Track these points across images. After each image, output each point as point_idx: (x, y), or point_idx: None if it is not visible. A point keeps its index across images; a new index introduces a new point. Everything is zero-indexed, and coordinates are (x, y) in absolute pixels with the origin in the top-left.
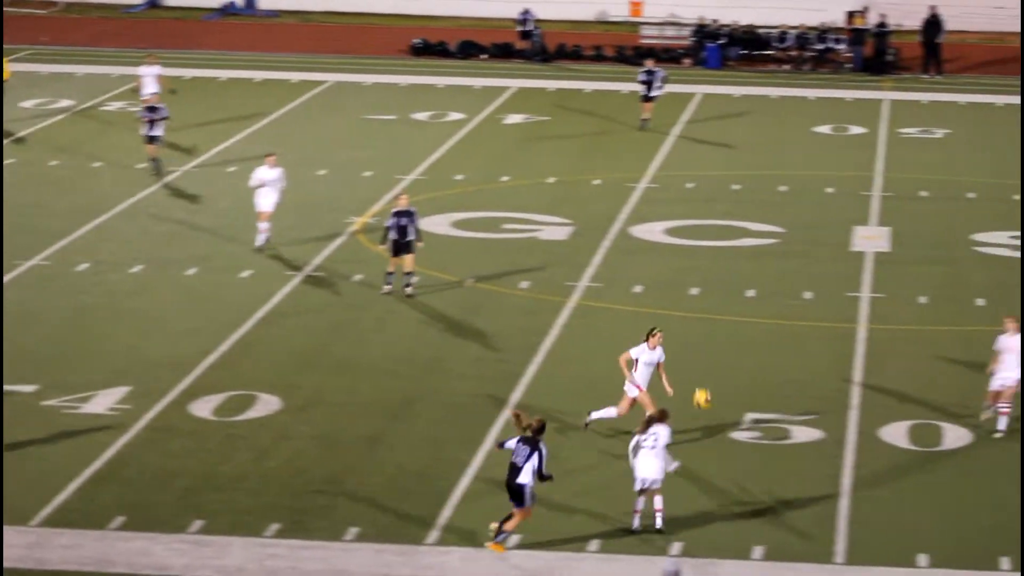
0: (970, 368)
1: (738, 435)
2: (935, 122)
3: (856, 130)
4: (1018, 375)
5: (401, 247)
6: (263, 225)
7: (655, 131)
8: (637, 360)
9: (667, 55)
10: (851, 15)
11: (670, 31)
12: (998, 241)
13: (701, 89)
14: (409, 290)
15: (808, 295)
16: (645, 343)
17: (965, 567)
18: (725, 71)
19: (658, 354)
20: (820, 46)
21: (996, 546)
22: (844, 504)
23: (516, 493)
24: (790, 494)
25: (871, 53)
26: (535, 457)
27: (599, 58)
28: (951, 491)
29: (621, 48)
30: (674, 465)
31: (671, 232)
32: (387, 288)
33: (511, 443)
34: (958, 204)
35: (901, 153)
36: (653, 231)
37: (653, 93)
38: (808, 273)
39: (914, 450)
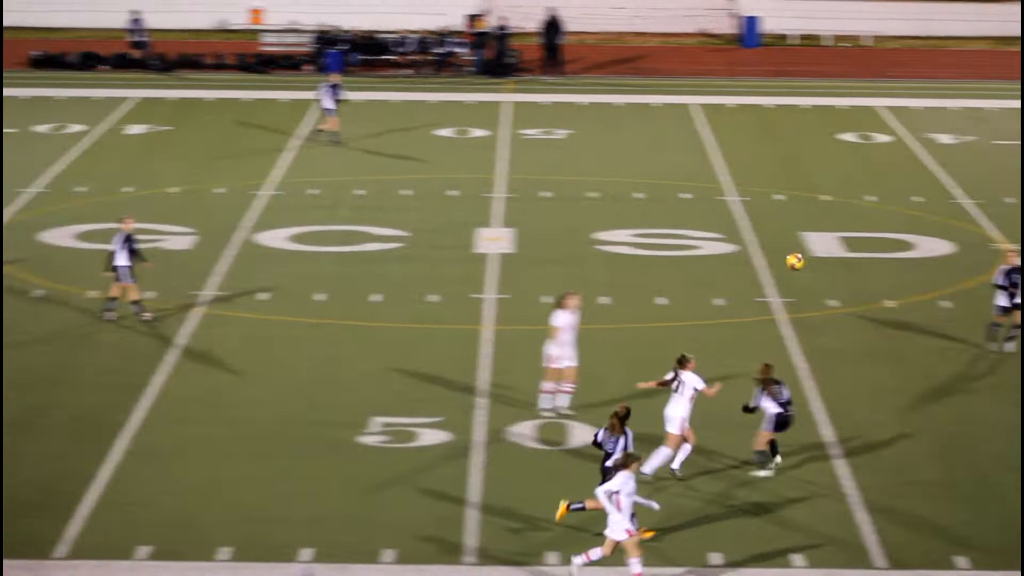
0: (593, 364)
1: (366, 439)
2: (556, 123)
3: (478, 132)
4: (573, 358)
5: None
6: None
7: (284, 132)
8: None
9: (288, 62)
10: (471, 18)
11: (291, 38)
12: (620, 240)
13: None
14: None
15: (433, 298)
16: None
17: (613, 564)
18: (347, 77)
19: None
20: (441, 50)
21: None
22: (473, 505)
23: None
24: (419, 496)
25: (492, 56)
26: (622, 442)
27: (221, 67)
28: (578, 488)
29: (242, 56)
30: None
31: (295, 239)
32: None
33: (600, 435)
34: (580, 204)
35: (523, 154)
36: (277, 238)
37: (331, 106)
38: (433, 276)
39: (542, 449)
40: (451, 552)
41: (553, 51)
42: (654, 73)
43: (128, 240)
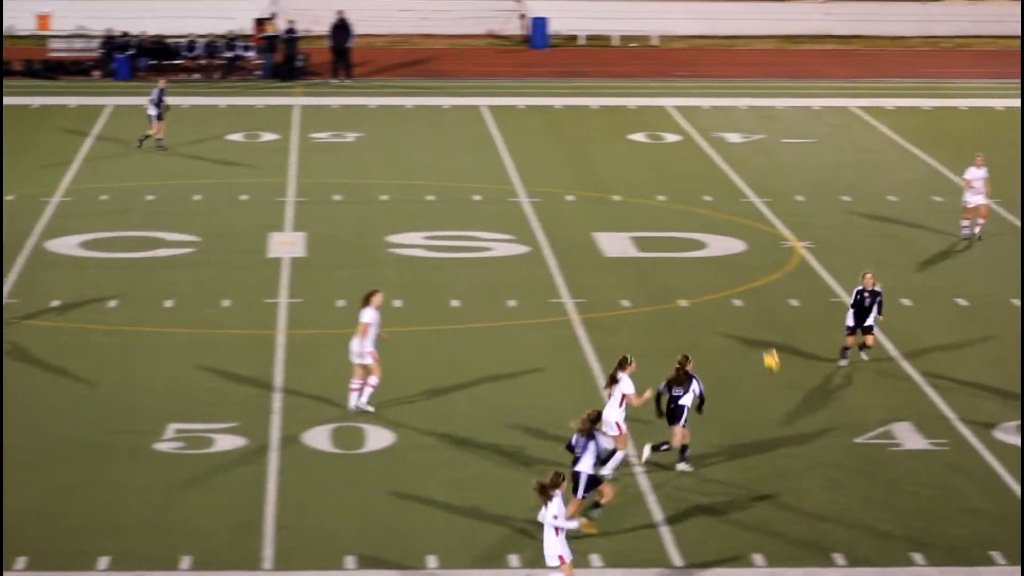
0: (388, 367)
1: (162, 446)
2: (346, 126)
3: (268, 136)
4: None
5: None
6: None
7: (74, 138)
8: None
9: (76, 68)
10: (260, 22)
11: (79, 43)
12: (412, 242)
13: (112, 101)
14: None
15: (226, 303)
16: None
17: (393, 566)
18: (136, 82)
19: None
20: (230, 54)
21: (421, 546)
22: (270, 510)
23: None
24: (216, 502)
25: (281, 59)
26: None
27: (8, 73)
28: (375, 492)
29: (30, 62)
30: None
31: (86, 245)
32: None
33: (573, 439)
34: (372, 207)
35: (314, 158)
36: (68, 245)
37: (155, 112)
38: (225, 281)
39: (337, 452)
40: (249, 558)
41: (342, 54)
42: (443, 75)
43: None
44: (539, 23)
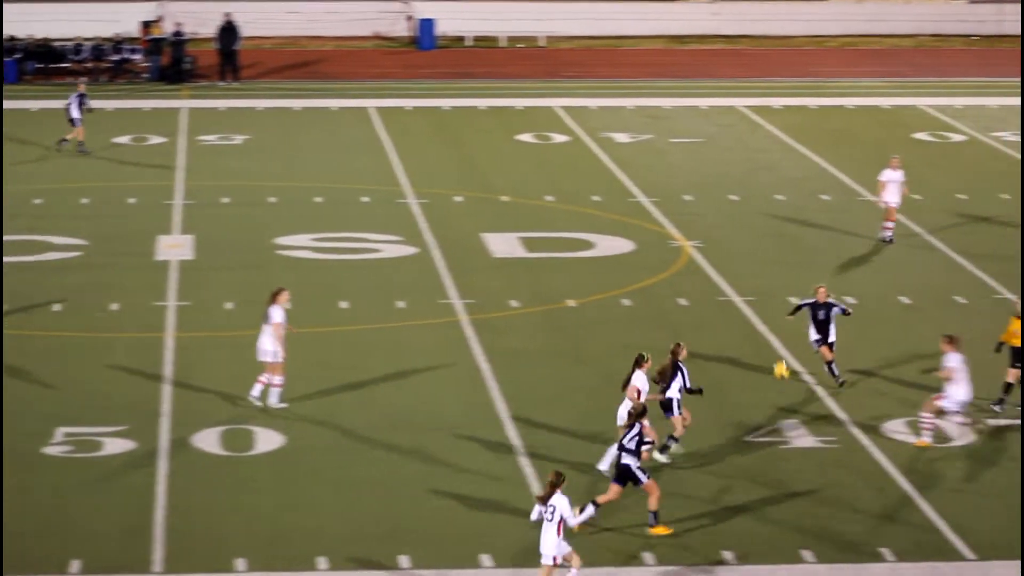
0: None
1: (50, 450)
2: (234, 128)
3: (156, 140)
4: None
5: None
6: None
7: None
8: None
9: None
10: (146, 25)
11: None
12: (301, 244)
13: None
14: None
15: (115, 306)
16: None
17: (282, 568)
18: (23, 85)
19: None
20: (116, 57)
21: (311, 548)
22: (160, 513)
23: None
24: (106, 506)
25: (168, 62)
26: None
27: None
28: (265, 494)
29: None
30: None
31: None
32: None
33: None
34: (260, 209)
35: (201, 161)
36: None
37: (77, 115)
38: (113, 284)
39: (226, 455)
40: (139, 562)
41: (229, 56)
42: (331, 77)
43: None
44: (426, 24)
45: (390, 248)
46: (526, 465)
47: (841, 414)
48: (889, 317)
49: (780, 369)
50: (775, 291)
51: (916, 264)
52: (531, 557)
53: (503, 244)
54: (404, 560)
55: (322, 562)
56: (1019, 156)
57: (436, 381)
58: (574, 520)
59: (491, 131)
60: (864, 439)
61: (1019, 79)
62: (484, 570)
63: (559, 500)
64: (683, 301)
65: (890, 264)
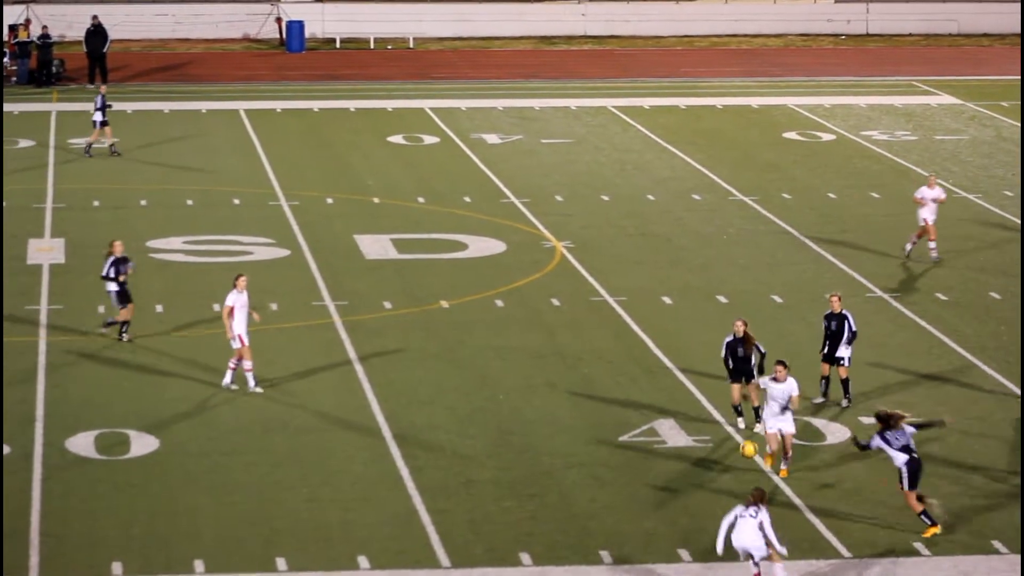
0: (150, 373)
1: None
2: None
3: (25, 143)
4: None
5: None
6: None
7: None
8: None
9: None
10: (13, 28)
11: None
12: (173, 247)
13: None
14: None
15: None
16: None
17: (159, 572)
18: None
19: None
20: None
21: (188, 551)
22: (35, 518)
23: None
24: None
25: (35, 65)
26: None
27: None
28: (141, 498)
29: None
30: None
31: None
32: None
33: (876, 441)
34: (131, 211)
35: (71, 164)
36: None
37: (100, 118)
38: None
39: (101, 459)
40: (15, 568)
41: (98, 59)
42: (200, 79)
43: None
44: (295, 26)
45: (262, 250)
46: (402, 467)
47: (714, 412)
48: (760, 314)
49: (749, 449)
50: (647, 290)
51: (787, 263)
52: (405, 558)
53: (375, 246)
54: (281, 563)
55: (199, 565)
56: (888, 154)
57: (310, 383)
58: (772, 536)
59: (361, 132)
60: (737, 437)
61: (896, 79)
62: (362, 571)
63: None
64: (556, 301)
65: (761, 263)
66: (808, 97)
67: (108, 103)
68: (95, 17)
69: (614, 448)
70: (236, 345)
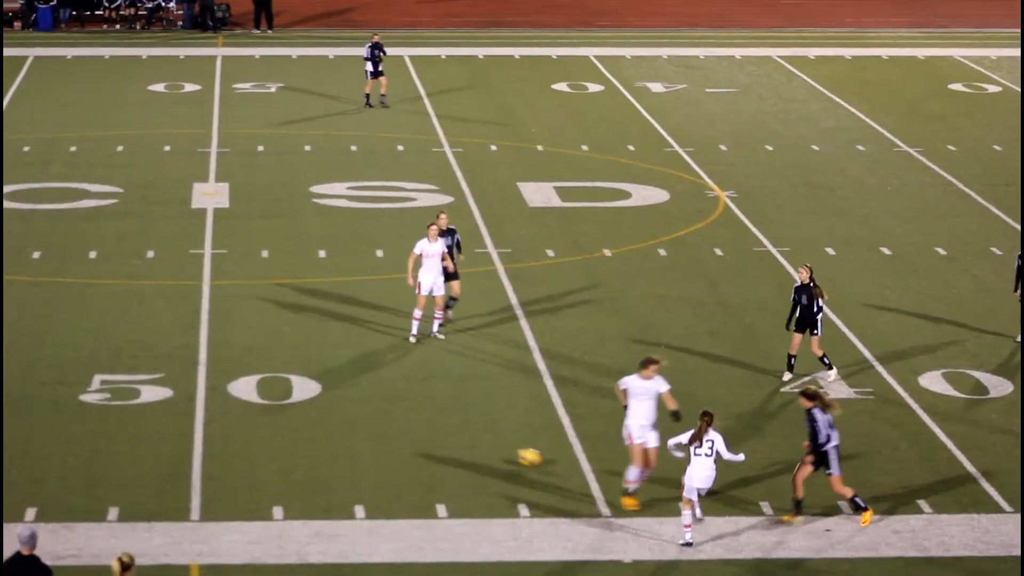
0: (312, 318)
1: (88, 397)
2: (268, 77)
3: (191, 87)
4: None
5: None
6: None
7: None
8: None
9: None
10: None
11: None
12: (335, 192)
13: (34, 52)
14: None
15: (151, 254)
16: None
17: (318, 517)
18: (57, 33)
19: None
20: (151, 4)
21: (348, 497)
22: (197, 461)
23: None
24: (143, 453)
25: (200, 11)
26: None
27: None
28: (301, 443)
29: None
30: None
31: (8, 197)
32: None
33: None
34: (295, 157)
35: (236, 109)
36: None
37: (380, 68)
38: (149, 232)
39: (263, 403)
40: (176, 509)
41: (263, 4)
42: (364, 25)
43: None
44: None
45: (425, 197)
46: (563, 415)
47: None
48: (926, 268)
49: (531, 456)
50: (810, 241)
51: (951, 215)
52: (565, 506)
53: (539, 193)
54: (441, 509)
55: (359, 511)
56: None
57: (472, 330)
58: (729, 456)
59: (526, 80)
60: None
61: None
62: (522, 519)
63: (715, 435)
64: (719, 251)
65: (925, 215)
66: (974, 48)
67: (380, 52)
68: None
69: (775, 398)
70: (419, 293)
